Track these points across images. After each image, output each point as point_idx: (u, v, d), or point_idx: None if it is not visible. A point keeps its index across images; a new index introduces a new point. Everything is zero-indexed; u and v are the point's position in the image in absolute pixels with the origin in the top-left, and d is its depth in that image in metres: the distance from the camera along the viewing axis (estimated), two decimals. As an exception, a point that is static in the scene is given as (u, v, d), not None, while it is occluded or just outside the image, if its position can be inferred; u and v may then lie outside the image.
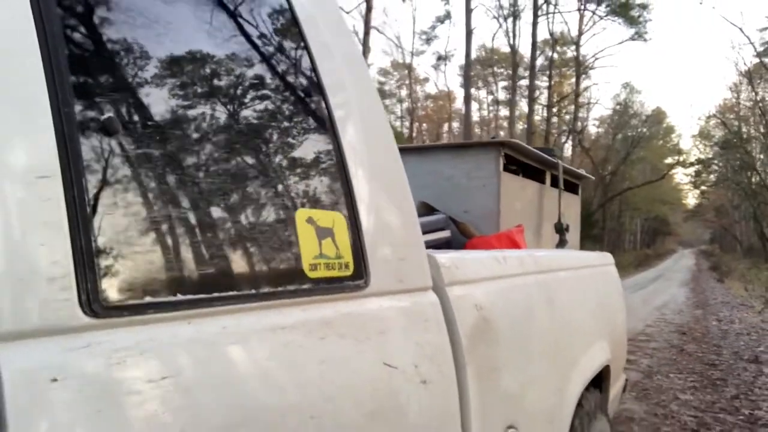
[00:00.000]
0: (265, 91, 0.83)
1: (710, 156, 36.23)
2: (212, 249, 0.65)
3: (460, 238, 2.26)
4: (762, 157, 31.16)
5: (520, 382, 1.35)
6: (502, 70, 33.76)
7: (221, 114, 0.73)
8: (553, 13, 24.48)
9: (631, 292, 12.69)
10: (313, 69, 0.89)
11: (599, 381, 2.21)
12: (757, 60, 26.81)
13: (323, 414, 0.70)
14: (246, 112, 0.78)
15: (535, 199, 2.61)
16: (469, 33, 20.35)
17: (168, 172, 0.63)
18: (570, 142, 31.20)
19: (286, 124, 0.84)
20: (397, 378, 0.88)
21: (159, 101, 0.65)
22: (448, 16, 26.38)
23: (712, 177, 37.17)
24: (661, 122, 39.45)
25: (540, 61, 26.22)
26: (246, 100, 0.78)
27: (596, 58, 28.93)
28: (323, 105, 0.89)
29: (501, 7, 25.21)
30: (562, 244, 2.67)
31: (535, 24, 23.15)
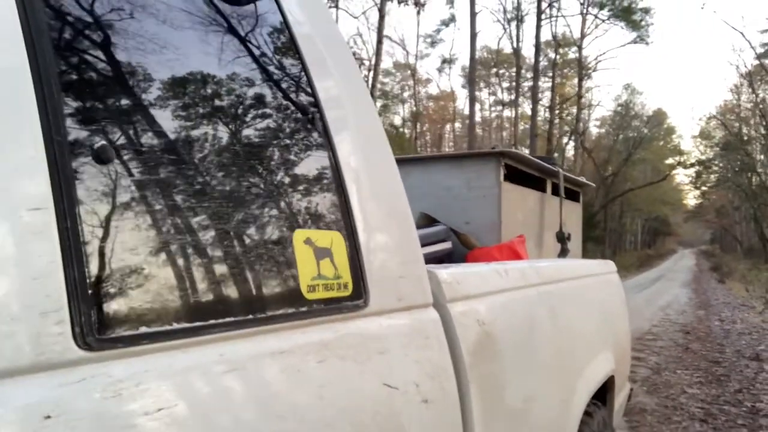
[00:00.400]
0: (260, 111, 0.82)
1: (711, 157, 36.50)
2: (208, 275, 0.64)
3: (461, 249, 2.25)
4: (762, 158, 31.31)
5: (524, 397, 1.34)
6: (503, 71, 33.99)
7: (217, 136, 0.72)
8: (557, 17, 25.10)
9: (635, 293, 13.34)
10: (310, 86, 0.89)
11: (604, 391, 2.19)
12: (757, 62, 27.01)
13: (323, 439, 0.70)
14: (242, 133, 0.77)
15: (536, 208, 2.60)
16: (473, 36, 20.59)
17: (162, 198, 0.62)
18: (572, 144, 31.34)
19: (282, 143, 0.83)
20: (398, 398, 0.87)
21: (153, 126, 0.65)
22: (453, 19, 26.61)
23: (713, 177, 37.40)
24: (661, 123, 39.77)
25: (543, 63, 26.55)
26: (241, 120, 0.78)
27: (598, 61, 29.33)
28: (320, 123, 0.89)
29: (505, 11, 25.54)
30: (564, 253, 2.66)
31: (538, 27, 23.47)
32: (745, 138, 31.84)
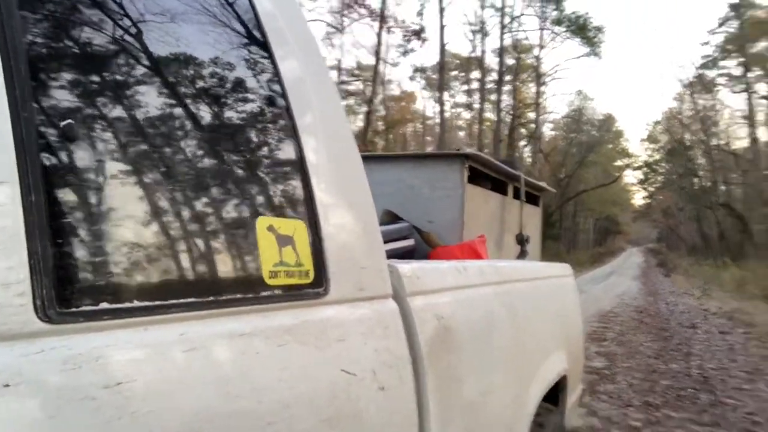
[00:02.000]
0: (226, 99, 0.84)
1: (657, 158, 38.56)
2: (170, 256, 0.65)
3: (423, 247, 2.29)
4: (703, 162, 33.07)
5: (479, 391, 1.38)
6: (463, 74, 34.98)
7: (183, 121, 0.74)
8: (517, 30, 27.34)
9: (593, 285, 16.01)
10: (277, 77, 0.90)
11: (557, 391, 2.26)
12: (698, 73, 28.80)
13: (280, 420, 0.71)
14: (207, 120, 0.78)
15: (497, 210, 2.66)
16: (442, 48, 21.86)
17: (127, 178, 0.63)
18: (529, 148, 32.57)
19: (247, 132, 0.85)
20: (355, 384, 0.89)
21: (120, 106, 0.65)
22: (422, 30, 27.70)
23: (659, 179, 39.42)
24: (611, 128, 41.71)
25: (504, 71, 27.87)
26: (207, 108, 0.79)
27: (555, 71, 31.22)
28: (286, 114, 0.90)
29: (471, 24, 26.85)
30: (523, 255, 2.72)
31: (502, 41, 25.54)
32: (688, 144, 33.57)
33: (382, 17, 19.93)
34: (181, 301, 0.65)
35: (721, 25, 28.89)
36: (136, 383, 0.56)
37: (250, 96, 0.87)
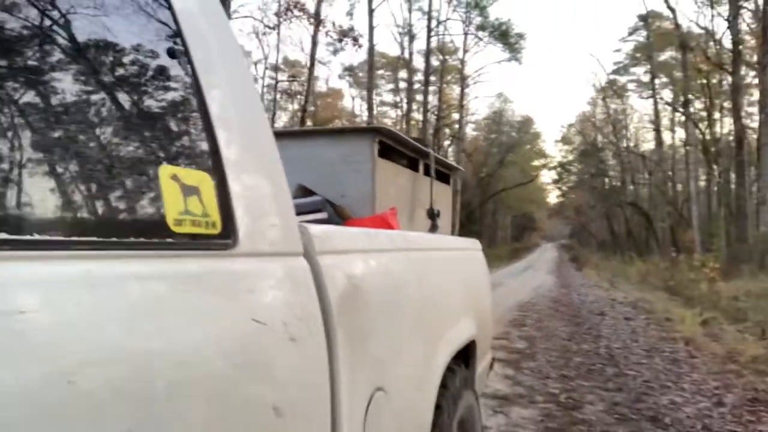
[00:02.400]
0: (128, 46, 0.83)
1: (571, 159, 41.21)
2: (75, 194, 0.65)
3: (336, 219, 2.33)
4: (613, 163, 35.70)
5: (389, 348, 1.44)
6: (389, 73, 35.69)
7: (86, 64, 0.72)
8: (443, 34, 29.13)
9: (512, 278, 17.90)
10: (178, 28, 0.90)
11: (466, 357, 2.38)
12: (608, 81, 31.12)
13: (190, 361, 0.72)
14: (110, 65, 0.77)
15: (409, 185, 2.74)
16: (371, 48, 23.08)
17: (32, 116, 0.62)
18: (453, 148, 33.75)
19: (148, 81, 0.84)
20: (266, 333, 0.91)
21: (18, 48, 0.64)
22: (351, 29, 28.22)
23: (573, 179, 42.18)
24: (529, 130, 44.15)
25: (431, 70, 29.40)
26: (110, 52, 0.78)
27: (479, 74, 32.92)
28: (188, 67, 0.90)
29: (399, 26, 28.59)
30: (433, 228, 2.82)
31: (428, 44, 26.89)
32: (600, 145, 36.14)
33: (317, 21, 20.25)
34: (86, 239, 0.65)
35: (630, 34, 31.37)
36: (39, 314, 0.56)
37: (151, 46, 0.86)
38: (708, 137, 23.19)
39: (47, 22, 0.70)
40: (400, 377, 1.49)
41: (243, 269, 0.92)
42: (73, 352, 0.57)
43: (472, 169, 35.18)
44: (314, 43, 21.06)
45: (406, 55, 28.31)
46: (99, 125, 0.72)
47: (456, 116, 32.91)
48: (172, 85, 0.89)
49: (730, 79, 19.55)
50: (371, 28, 22.33)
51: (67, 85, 0.69)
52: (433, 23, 26.71)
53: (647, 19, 27.36)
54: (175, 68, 0.90)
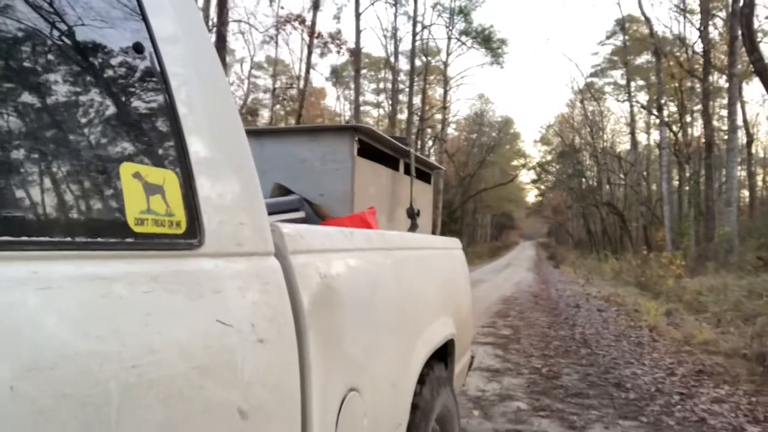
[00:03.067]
0: (92, 42, 0.80)
1: (549, 159, 42.55)
2: (23, 191, 0.62)
3: (314, 218, 2.30)
4: (589, 163, 36.79)
5: (363, 348, 1.42)
6: (372, 73, 36.08)
7: (44, 54, 0.70)
8: (428, 39, 30.23)
9: (494, 275, 19.78)
10: (145, 20, 0.87)
11: (444, 355, 2.37)
12: (587, 81, 32.08)
13: (146, 363, 0.70)
14: (70, 56, 0.75)
15: (388, 184, 2.73)
16: (358, 51, 23.46)
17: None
18: (435, 148, 34.38)
19: (111, 74, 0.82)
20: (232, 335, 0.90)
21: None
22: (339, 32, 29.28)
23: (551, 178, 43.47)
24: (508, 130, 45.46)
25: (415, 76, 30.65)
26: (71, 42, 0.76)
27: (462, 77, 34.85)
28: (155, 60, 0.88)
29: (385, 29, 30.01)
30: (413, 228, 2.81)
31: (413, 46, 27.63)
32: (577, 147, 37.21)
33: (312, 32, 20.91)
34: (33, 239, 0.62)
35: (608, 38, 32.09)
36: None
37: (118, 41, 0.84)
38: (681, 140, 24.04)
39: (12, 13, 0.68)
40: (375, 377, 1.47)
41: (208, 269, 0.90)
42: (16, 355, 0.55)
43: (454, 169, 36.24)
44: (310, 52, 21.71)
45: (392, 58, 29.06)
46: (56, 119, 0.70)
47: (438, 116, 33.79)
48: (137, 78, 0.86)
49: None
50: (358, 31, 23.03)
51: (21, 76, 0.67)
52: (418, 27, 27.63)
53: (624, 23, 28.02)
54: (140, 61, 0.87)
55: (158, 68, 0.88)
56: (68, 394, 0.58)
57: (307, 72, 22.20)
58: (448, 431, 2.21)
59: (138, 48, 0.87)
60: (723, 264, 12.77)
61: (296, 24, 20.25)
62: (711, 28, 19.26)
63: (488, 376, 5.17)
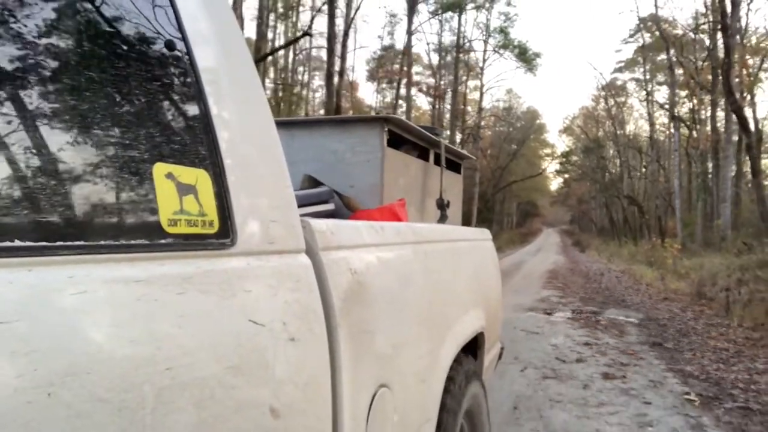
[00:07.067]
0: (124, 42, 0.80)
1: (573, 148, 44.41)
2: (58, 196, 0.63)
3: (344, 211, 2.30)
4: (612, 153, 38.17)
5: (393, 344, 1.42)
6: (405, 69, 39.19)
7: (80, 59, 0.70)
8: (468, 51, 34.48)
9: (531, 257, 25.57)
10: (177, 19, 0.87)
11: (475, 348, 2.35)
12: (612, 77, 33.50)
13: (180, 366, 0.71)
14: (103, 57, 0.75)
15: (418, 175, 2.70)
16: (409, 55, 27.52)
17: (20, 113, 0.60)
18: (470, 145, 36.35)
19: (143, 75, 0.81)
20: (264, 334, 0.90)
21: (11, 46, 0.61)
22: (392, 47, 34.58)
23: (575, 168, 45.30)
24: (534, 123, 47.30)
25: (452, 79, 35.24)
26: (105, 49, 0.75)
27: (497, 82, 39.97)
28: (187, 60, 0.87)
29: (431, 44, 33.95)
30: (443, 219, 2.79)
31: (457, 58, 32.04)
32: (601, 141, 38.68)
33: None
34: (70, 243, 0.62)
35: (632, 36, 33.25)
36: (19, 323, 0.54)
37: (149, 40, 0.83)
38: (695, 135, 26.68)
39: (43, 14, 0.68)
40: (405, 373, 1.47)
41: (240, 268, 0.90)
42: (55, 360, 0.55)
43: (486, 162, 39.89)
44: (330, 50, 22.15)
45: (435, 65, 33.52)
46: (89, 121, 0.70)
47: (473, 114, 36.82)
48: (170, 79, 0.86)
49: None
50: (409, 49, 26.22)
51: (56, 79, 0.67)
52: (461, 40, 31.64)
53: (647, 22, 28.63)
54: (173, 61, 0.87)
55: (190, 66, 0.88)
56: (104, 398, 0.59)
57: (337, 75, 23.02)
58: (478, 425, 2.20)
59: (170, 46, 0.87)
60: (719, 249, 16.15)
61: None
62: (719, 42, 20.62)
63: (557, 299, 10.44)
